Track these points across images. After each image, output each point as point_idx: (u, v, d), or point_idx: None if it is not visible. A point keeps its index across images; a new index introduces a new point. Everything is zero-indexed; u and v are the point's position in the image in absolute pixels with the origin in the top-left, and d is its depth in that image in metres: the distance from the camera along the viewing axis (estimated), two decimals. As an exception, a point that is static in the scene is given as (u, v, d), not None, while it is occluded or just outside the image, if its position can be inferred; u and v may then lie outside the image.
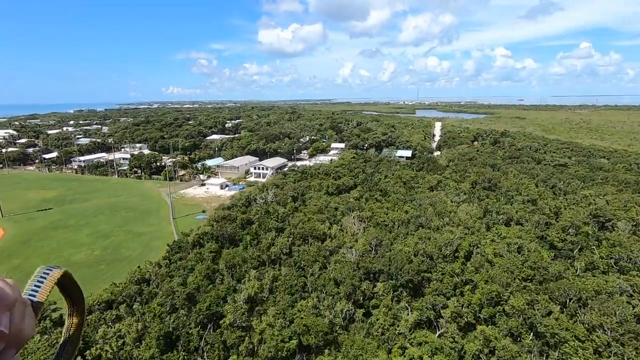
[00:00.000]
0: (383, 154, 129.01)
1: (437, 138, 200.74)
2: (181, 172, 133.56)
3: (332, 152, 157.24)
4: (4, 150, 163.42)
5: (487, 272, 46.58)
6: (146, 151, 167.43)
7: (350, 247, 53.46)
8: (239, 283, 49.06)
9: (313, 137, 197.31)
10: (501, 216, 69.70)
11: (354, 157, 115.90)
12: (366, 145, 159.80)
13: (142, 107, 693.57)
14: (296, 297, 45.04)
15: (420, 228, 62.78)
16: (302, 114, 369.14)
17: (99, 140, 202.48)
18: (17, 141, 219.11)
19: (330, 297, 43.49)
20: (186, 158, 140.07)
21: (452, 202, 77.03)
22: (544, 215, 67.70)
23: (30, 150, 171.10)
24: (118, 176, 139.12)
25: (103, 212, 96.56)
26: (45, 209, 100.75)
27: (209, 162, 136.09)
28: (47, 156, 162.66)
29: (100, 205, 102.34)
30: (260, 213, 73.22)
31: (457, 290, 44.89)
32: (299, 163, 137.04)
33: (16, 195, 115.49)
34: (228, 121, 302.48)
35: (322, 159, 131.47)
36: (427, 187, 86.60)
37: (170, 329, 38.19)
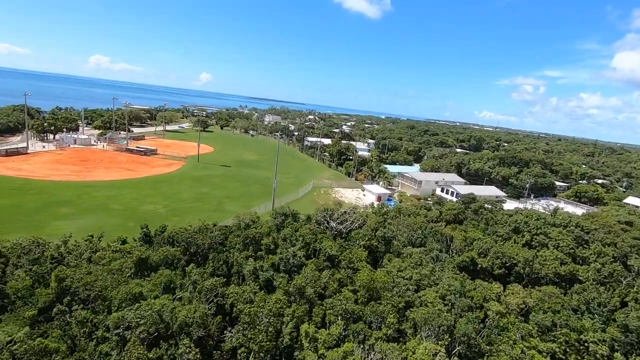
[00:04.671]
0: None
1: None
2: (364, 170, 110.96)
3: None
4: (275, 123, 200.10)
5: None
6: (362, 148, 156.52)
7: None
8: None
9: (601, 179, 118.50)
10: None
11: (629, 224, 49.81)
12: None
13: (443, 122, 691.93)
14: None
15: None
16: (622, 154, 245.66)
17: (347, 130, 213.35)
18: (310, 122, 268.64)
19: None
20: (374, 157, 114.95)
21: None
22: None
23: (292, 127, 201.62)
24: (318, 160, 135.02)
25: (246, 181, 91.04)
26: (227, 166, 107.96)
27: (391, 168, 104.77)
28: (295, 133, 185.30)
29: (256, 176, 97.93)
30: (296, 240, 39.60)
31: None
32: (525, 205, 79.59)
33: (235, 152, 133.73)
34: (498, 141, 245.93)
35: (567, 208, 67.74)
36: None
37: None
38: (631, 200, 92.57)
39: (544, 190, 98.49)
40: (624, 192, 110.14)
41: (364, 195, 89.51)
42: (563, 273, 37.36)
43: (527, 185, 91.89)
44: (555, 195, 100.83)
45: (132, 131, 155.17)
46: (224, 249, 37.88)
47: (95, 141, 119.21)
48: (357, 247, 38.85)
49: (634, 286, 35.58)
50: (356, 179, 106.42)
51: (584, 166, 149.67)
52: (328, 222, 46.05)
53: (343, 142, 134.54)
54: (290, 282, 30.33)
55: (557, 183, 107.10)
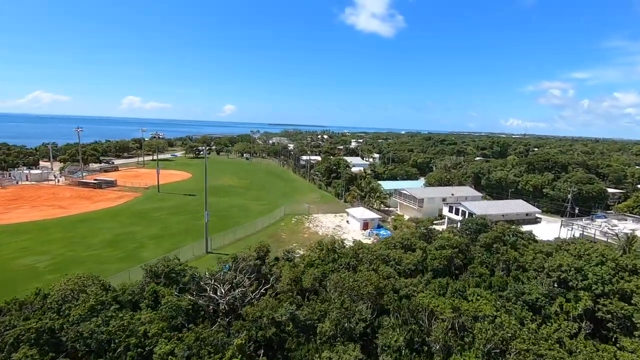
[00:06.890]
0: None
1: None
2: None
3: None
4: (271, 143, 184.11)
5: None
6: (360, 164, 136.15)
7: None
8: None
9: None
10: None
11: None
12: None
13: (466, 133, 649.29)
14: None
15: None
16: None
17: (354, 146, 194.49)
18: (315, 141, 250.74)
19: None
20: (366, 172, 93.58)
21: None
22: None
23: (291, 147, 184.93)
24: (309, 180, 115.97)
25: (197, 213, 72.77)
26: (191, 195, 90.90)
27: (388, 184, 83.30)
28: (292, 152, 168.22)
29: (219, 205, 79.60)
30: (123, 341, 20.06)
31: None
32: (570, 229, 55.83)
33: (214, 178, 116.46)
34: (527, 146, 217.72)
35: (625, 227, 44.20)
36: None
37: None
38: None
39: (592, 201, 73.85)
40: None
41: (347, 222, 69.05)
42: None
43: (569, 196, 67.71)
44: (608, 207, 75.88)
45: (113, 162, 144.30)
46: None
47: (54, 176, 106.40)
48: (231, 348, 18.86)
49: None
50: (345, 201, 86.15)
51: (637, 167, 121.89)
52: (215, 291, 26.41)
53: (333, 157, 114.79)
54: None
55: (609, 190, 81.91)
